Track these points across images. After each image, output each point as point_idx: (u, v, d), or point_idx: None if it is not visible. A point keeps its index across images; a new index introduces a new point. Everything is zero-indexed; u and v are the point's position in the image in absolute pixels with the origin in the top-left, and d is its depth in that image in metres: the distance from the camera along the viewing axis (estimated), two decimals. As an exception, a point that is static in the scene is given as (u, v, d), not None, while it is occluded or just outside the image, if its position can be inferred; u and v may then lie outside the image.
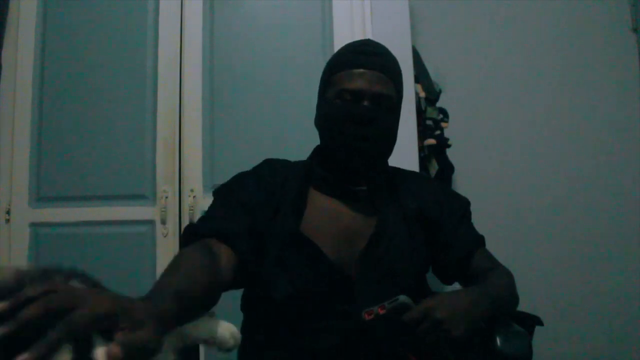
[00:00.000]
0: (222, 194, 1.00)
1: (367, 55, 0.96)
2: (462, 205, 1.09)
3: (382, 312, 0.79)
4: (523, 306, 1.36)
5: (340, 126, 0.94)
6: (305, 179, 1.02)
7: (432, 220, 1.02)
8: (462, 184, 2.20)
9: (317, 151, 1.08)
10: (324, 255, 0.93)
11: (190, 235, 0.88)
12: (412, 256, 0.99)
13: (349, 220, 0.98)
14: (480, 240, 1.07)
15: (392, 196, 1.03)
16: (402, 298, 0.80)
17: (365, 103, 0.94)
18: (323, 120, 1.00)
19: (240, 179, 1.03)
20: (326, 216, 0.97)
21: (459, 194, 1.13)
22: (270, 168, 1.04)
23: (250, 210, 0.94)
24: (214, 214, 0.95)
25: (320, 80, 1.04)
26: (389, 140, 1.01)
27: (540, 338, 1.03)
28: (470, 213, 1.10)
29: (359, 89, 0.93)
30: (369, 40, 1.04)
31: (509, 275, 1.03)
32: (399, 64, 1.02)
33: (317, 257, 0.93)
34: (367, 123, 0.93)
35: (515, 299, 1.01)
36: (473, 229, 1.09)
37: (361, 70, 0.94)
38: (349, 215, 0.98)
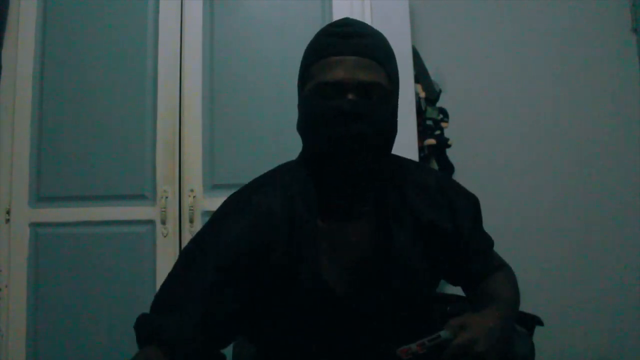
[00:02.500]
0: (190, 258, 0.82)
1: (345, 37, 0.79)
2: (472, 207, 0.97)
3: (421, 350, 0.73)
4: (523, 306, 1.35)
5: (323, 128, 0.78)
6: (311, 207, 0.84)
7: (447, 233, 0.90)
8: (462, 184, 2.20)
9: (302, 160, 0.91)
10: (344, 304, 0.83)
11: (139, 339, 0.76)
12: (428, 275, 0.89)
13: (355, 248, 0.85)
14: (491, 245, 1.00)
15: (403, 207, 0.88)
16: (444, 334, 0.75)
17: (350, 96, 0.77)
18: (303, 123, 0.83)
19: (214, 236, 0.83)
20: (332, 248, 0.84)
21: (466, 191, 1.00)
22: (262, 214, 0.83)
23: (223, 270, 0.78)
24: (164, 299, 0.79)
25: (298, 75, 0.88)
26: (387, 134, 0.83)
27: (540, 338, 1.03)
28: (480, 213, 0.99)
29: (339, 80, 0.77)
30: (347, 19, 0.85)
31: (513, 276, 0.99)
32: (391, 47, 0.85)
33: (335, 306, 0.83)
34: (355, 119, 0.76)
35: (518, 300, 0.97)
36: (483, 232, 1.00)
37: (340, 57, 0.78)
38: (354, 241, 0.85)
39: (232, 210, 0.86)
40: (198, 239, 0.84)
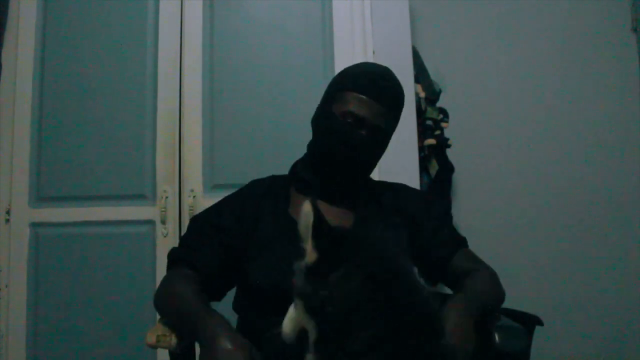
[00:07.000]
0: (198, 221, 1.10)
1: (381, 88, 1.03)
2: (443, 206, 1.15)
3: None
4: (523, 306, 1.35)
5: (336, 145, 1.02)
6: (289, 182, 1.10)
7: (412, 220, 1.07)
8: (462, 184, 2.20)
9: (305, 154, 1.14)
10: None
11: (171, 262, 1.07)
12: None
13: (329, 217, 1.01)
14: (462, 241, 1.10)
15: (372, 199, 1.10)
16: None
17: (364, 132, 1.01)
18: (323, 128, 1.06)
19: (216, 206, 1.12)
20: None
21: (441, 199, 1.16)
22: (251, 187, 1.14)
23: (223, 229, 1.04)
24: (187, 241, 1.08)
25: (331, 85, 1.08)
26: (373, 164, 1.10)
27: (540, 338, 1.03)
28: (451, 216, 1.15)
29: (363, 116, 1.01)
30: (388, 73, 1.08)
31: (491, 275, 1.03)
32: (404, 97, 1.09)
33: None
34: (359, 150, 1.01)
35: (500, 296, 1.01)
36: (454, 230, 1.12)
37: (370, 100, 1.01)
38: (329, 211, 1.02)
39: (230, 195, 1.15)
40: (202, 212, 1.12)
